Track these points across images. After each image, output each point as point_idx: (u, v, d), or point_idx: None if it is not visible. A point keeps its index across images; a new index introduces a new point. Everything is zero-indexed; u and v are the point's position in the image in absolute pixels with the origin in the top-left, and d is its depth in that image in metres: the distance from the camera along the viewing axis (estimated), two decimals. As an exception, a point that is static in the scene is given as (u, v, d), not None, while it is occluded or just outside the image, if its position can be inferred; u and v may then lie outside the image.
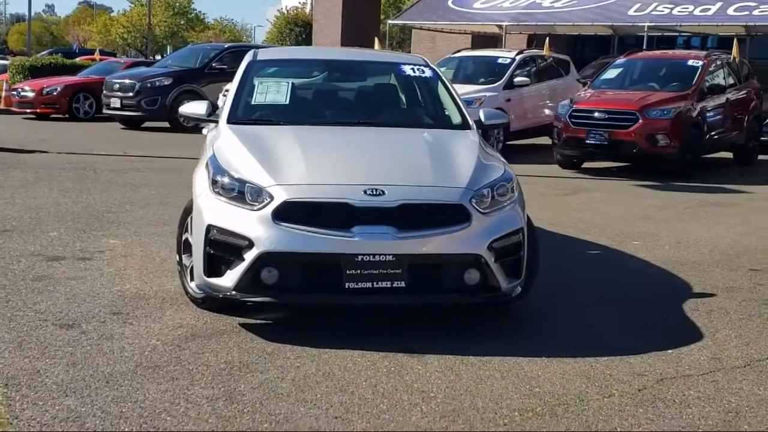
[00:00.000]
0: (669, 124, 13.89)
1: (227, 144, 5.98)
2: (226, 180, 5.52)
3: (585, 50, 25.49)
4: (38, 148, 15.04)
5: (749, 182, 13.96)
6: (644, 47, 19.85)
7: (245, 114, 6.52)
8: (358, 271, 5.21)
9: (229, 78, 19.34)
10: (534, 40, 22.52)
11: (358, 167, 5.63)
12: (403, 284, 5.26)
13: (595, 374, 4.92)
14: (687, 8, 19.76)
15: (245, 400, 4.43)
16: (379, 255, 5.20)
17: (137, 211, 9.46)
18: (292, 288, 5.34)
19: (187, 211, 6.04)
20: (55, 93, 21.84)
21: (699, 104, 14.54)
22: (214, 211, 5.46)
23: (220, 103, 19.29)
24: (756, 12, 18.97)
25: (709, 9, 19.47)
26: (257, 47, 25.56)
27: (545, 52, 18.00)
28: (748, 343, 5.59)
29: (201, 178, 5.77)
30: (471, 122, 6.66)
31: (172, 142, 17.40)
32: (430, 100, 7.14)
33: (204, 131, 7.51)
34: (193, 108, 6.70)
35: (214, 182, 5.56)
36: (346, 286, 5.23)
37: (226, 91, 18.10)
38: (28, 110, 22.16)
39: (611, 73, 15.76)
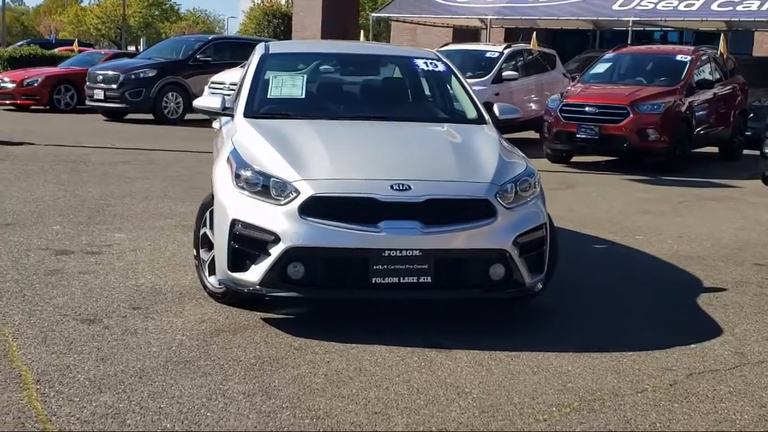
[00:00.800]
0: (659, 119, 13.97)
1: (248, 138, 5.95)
2: (249, 174, 5.48)
3: (565, 45, 25.56)
4: (25, 140, 14.87)
5: (738, 177, 14.10)
6: (629, 42, 19.94)
7: (262, 107, 6.48)
8: (385, 266, 5.20)
9: (214, 70, 19.45)
10: (520, 34, 22.55)
11: (383, 162, 5.61)
12: (429, 279, 5.26)
13: (624, 369, 4.94)
14: (671, 3, 19.89)
15: (282, 395, 4.42)
16: (406, 250, 5.20)
17: (138, 204, 9.39)
18: (318, 283, 5.32)
19: (206, 205, 6.00)
20: (35, 84, 21.63)
21: (688, 99, 14.64)
22: (238, 205, 5.42)
23: (205, 95, 19.19)
24: (740, 7, 19.13)
25: (693, 4, 19.61)
26: (241, 39, 25.36)
27: (532, 46, 18.05)
28: (766, 339, 5.64)
29: (222, 172, 5.73)
30: (487, 117, 6.67)
31: (158, 135, 17.28)
32: (445, 95, 7.13)
33: (215, 125, 7.45)
34: (208, 102, 6.66)
35: (237, 176, 5.53)
36: (373, 281, 5.22)
37: (212, 83, 18.24)
38: (7, 101, 21.92)
39: (600, 68, 15.84)
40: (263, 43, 7.50)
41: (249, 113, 6.36)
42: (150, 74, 19.43)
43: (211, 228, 5.89)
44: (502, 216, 5.40)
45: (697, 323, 5.93)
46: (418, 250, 5.21)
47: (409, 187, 5.28)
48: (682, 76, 14.89)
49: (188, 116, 20.09)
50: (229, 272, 5.44)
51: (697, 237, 8.90)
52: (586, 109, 14.18)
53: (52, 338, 5.12)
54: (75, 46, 28.03)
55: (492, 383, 4.67)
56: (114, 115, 20.32)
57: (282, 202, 5.30)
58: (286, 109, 6.51)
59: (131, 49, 47.89)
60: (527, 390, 4.59)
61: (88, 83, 20.08)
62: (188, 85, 19.76)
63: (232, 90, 17.89)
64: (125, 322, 5.45)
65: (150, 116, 19.95)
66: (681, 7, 19.68)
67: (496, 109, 6.78)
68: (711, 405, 4.49)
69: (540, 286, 5.66)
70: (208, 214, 5.95)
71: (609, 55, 16.27)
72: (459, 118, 6.77)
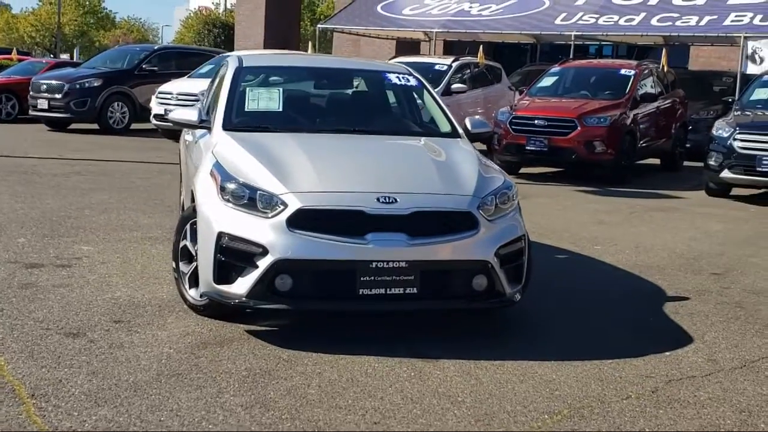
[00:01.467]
0: (606, 132, 14.32)
1: (229, 151, 5.98)
2: (235, 187, 5.53)
3: (503, 57, 25.87)
4: (-29, 151, 14.64)
5: (681, 188, 14.50)
6: (571, 56, 20.35)
7: (240, 120, 6.51)
8: (372, 278, 5.29)
9: (160, 80, 19.32)
10: (467, 47, 22.83)
11: (368, 175, 5.71)
12: (415, 290, 5.37)
13: (606, 377, 5.10)
14: (612, 18, 20.32)
15: (279, 407, 4.47)
16: (393, 261, 5.30)
17: (98, 216, 9.32)
18: (305, 295, 5.39)
19: (186, 218, 6.02)
20: (-25, 94, 21.25)
21: (632, 112, 15.01)
22: (224, 218, 5.46)
23: (152, 105, 19.00)
24: (678, 23, 19.61)
25: (634, 19, 20.05)
26: (186, 49, 25.09)
27: (479, 59, 18.30)
28: (736, 345, 5.86)
29: (205, 185, 5.76)
30: (460, 130, 6.81)
31: (105, 145, 17.11)
32: (419, 109, 7.26)
33: (188, 137, 7.44)
34: (184, 114, 6.66)
35: (222, 189, 5.56)
36: (360, 293, 5.30)
37: (160, 93, 18.12)
38: (-55, 111, 21.50)
39: (547, 81, 16.15)
40: (234, 55, 7.54)
41: (228, 126, 6.40)
42: (95, 84, 19.24)
43: (192, 240, 5.92)
44: (484, 228, 5.53)
45: (668, 331, 6.12)
46: (405, 261, 5.31)
47: (395, 200, 5.38)
48: (627, 90, 15.27)
49: (134, 126, 19.94)
50: (215, 285, 5.48)
51: (652, 247, 9.15)
52: (536, 122, 14.46)
53: (39, 352, 5.10)
54: (14, 55, 27.56)
55: (482, 392, 4.78)
56: (57, 125, 20.06)
57: (269, 215, 5.36)
58: (264, 122, 6.56)
59: (64, 57, 47.11)
60: (517, 398, 4.72)
61: (31, 93, 19.80)
62: (134, 94, 19.62)
63: (180, 100, 17.91)
64: (109, 336, 5.45)
65: (95, 126, 19.74)
66: (621, 22, 20.12)
67: (468, 123, 6.92)
68: (694, 410, 4.66)
69: (519, 296, 5.80)
70: (188, 226, 5.98)
71: (555, 69, 16.59)
72: (434, 131, 6.89)
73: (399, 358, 5.24)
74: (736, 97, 17.11)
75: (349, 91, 7.42)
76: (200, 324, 5.75)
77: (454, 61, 17.53)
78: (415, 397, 4.68)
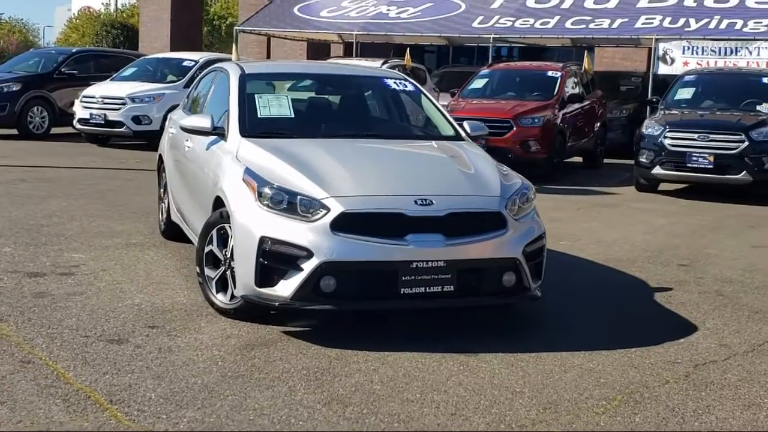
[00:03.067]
0: (539, 131, 14.87)
1: (257, 157, 6.11)
2: (274, 192, 5.66)
3: (415, 59, 26.30)
4: None
5: (608, 184, 15.16)
6: (489, 59, 20.91)
7: (256, 127, 6.61)
8: (413, 277, 5.52)
9: (80, 83, 18.99)
10: (392, 50, 23.16)
11: (402, 178, 5.94)
12: (452, 288, 5.62)
13: (638, 364, 5.44)
14: (528, 21, 20.94)
15: (354, 402, 4.66)
16: (432, 261, 5.54)
17: (69, 224, 9.22)
18: (348, 295, 5.58)
19: (212, 224, 6.13)
20: None
21: (561, 112, 15.60)
22: (265, 222, 5.60)
23: (76, 109, 18.64)
24: (591, 25, 20.35)
25: (549, 22, 20.71)
26: (102, 52, 24.53)
27: (406, 62, 18.66)
28: (738, 330, 6.29)
29: (239, 191, 5.86)
30: (463, 133, 7.09)
31: (33, 151, 16.70)
32: (421, 113, 7.50)
33: (187, 143, 7.45)
34: (197, 121, 6.73)
35: (260, 194, 5.69)
36: (402, 292, 5.53)
37: (84, 97, 17.84)
38: None
39: (478, 83, 16.60)
40: (233, 63, 7.61)
41: (245, 133, 6.50)
42: (14, 88, 18.75)
43: (219, 245, 6.04)
44: (512, 227, 5.83)
45: (670, 320, 6.53)
46: (442, 261, 5.56)
47: (432, 202, 5.62)
48: (555, 91, 15.85)
49: (54, 131, 19.53)
50: (257, 288, 5.61)
51: (614, 242, 9.61)
52: (472, 122, 14.84)
53: (92, 359, 5.15)
54: None
55: (535, 382, 5.06)
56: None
57: (311, 219, 5.52)
58: (280, 129, 6.69)
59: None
60: (569, 387, 5.01)
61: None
62: (54, 98, 19.22)
63: (105, 104, 17.70)
64: (153, 341, 5.52)
65: (13, 131, 19.24)
66: (537, 25, 20.75)
67: (467, 126, 7.20)
68: (731, 391, 5.04)
69: (539, 292, 6.10)
70: (214, 232, 6.09)
71: (485, 71, 17.07)
72: (439, 135, 7.15)
73: (440, 353, 5.47)
74: (648, 96, 18.01)
75: (354, 97, 7.60)
76: (234, 327, 5.86)
77: (383, 64, 17.82)
78: (476, 389, 4.92)
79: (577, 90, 16.54)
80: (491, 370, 5.22)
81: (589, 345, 5.76)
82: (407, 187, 5.78)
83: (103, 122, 17.77)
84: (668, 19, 19.84)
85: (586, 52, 18.91)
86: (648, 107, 16.84)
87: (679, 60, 19.14)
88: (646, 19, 20.12)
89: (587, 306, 6.88)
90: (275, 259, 5.56)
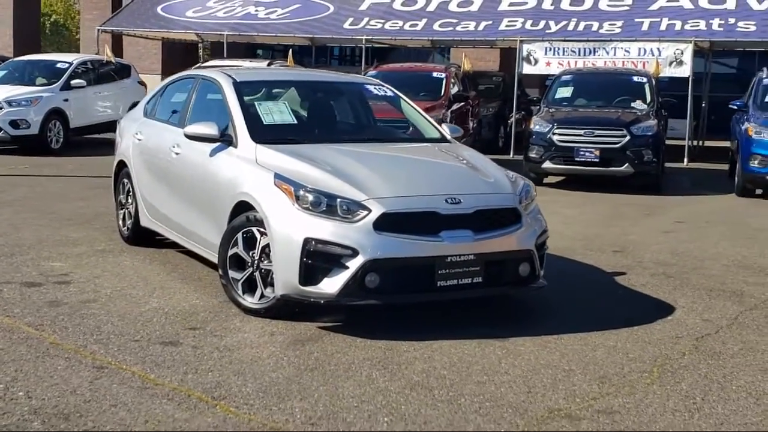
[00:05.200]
0: (432, 130, 15.51)
1: (281, 161, 6.37)
2: (312, 196, 5.97)
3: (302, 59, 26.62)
4: None
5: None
6: (363, 60, 21.49)
7: (266, 134, 6.84)
8: (447, 271, 5.98)
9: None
10: (261, 49, 23.27)
11: (430, 180, 6.39)
12: (480, 279, 6.11)
13: (651, 339, 6.08)
14: (397, 23, 21.60)
15: (435, 386, 5.05)
16: (463, 255, 6.01)
17: (22, 233, 9.09)
18: (390, 290, 5.97)
19: (237, 227, 6.36)
20: None
21: (449, 111, 16.35)
22: (307, 224, 5.91)
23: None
24: (458, 28, 21.23)
25: (417, 24, 21.44)
26: None
27: (289, 63, 18.96)
28: (709, 307, 7.04)
29: (271, 195, 6.12)
30: (447, 135, 7.58)
31: None
32: (406, 117, 7.93)
33: (179, 150, 7.53)
34: (203, 129, 6.89)
35: (297, 198, 5.99)
36: (438, 284, 5.98)
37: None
38: None
39: (366, 84, 17.09)
40: (218, 72, 7.74)
41: (257, 139, 6.74)
42: None
43: (246, 248, 6.29)
44: (525, 221, 6.38)
45: (645, 301, 7.24)
46: (473, 254, 6.04)
47: (460, 201, 6.10)
48: (442, 91, 16.59)
49: None
50: (301, 286, 5.91)
51: (543, 233, 10.32)
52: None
53: (161, 361, 5.33)
54: None
55: (576, 361, 5.60)
56: None
57: (352, 220, 5.88)
58: (288, 134, 6.96)
59: None
60: (607, 363, 5.58)
61: None
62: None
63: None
64: (206, 342, 5.73)
65: None
66: (407, 27, 21.45)
67: (446, 128, 7.71)
68: (742, 359, 5.73)
69: (543, 281, 6.67)
70: (239, 235, 6.33)
71: (372, 72, 17.58)
72: (429, 137, 7.61)
73: (474, 340, 5.93)
74: (507, 95, 19.07)
75: (344, 102, 7.94)
76: (269, 325, 6.12)
77: (269, 65, 18.06)
78: (530, 369, 5.42)
79: (460, 90, 17.32)
80: (531, 352, 5.74)
81: (594, 326, 6.35)
82: (436, 187, 6.23)
83: (-23, 128, 17.17)
84: (530, 22, 20.97)
85: (464, 54, 19.74)
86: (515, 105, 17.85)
87: (542, 60, 20.26)
88: (509, 21, 21.17)
89: (563, 292, 7.44)
90: (320, 259, 5.88)
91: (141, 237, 8.48)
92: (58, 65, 18.72)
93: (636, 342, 6.04)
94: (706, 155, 20.92)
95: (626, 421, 4.66)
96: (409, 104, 7.94)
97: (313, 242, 5.87)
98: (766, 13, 20.02)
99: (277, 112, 7.08)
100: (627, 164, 14.37)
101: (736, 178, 14.68)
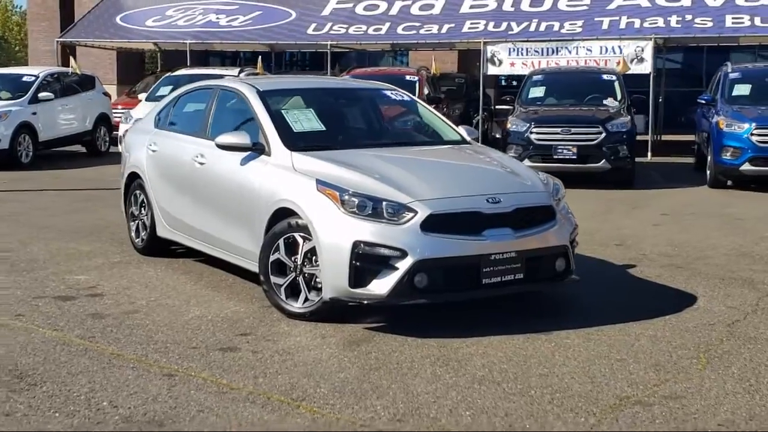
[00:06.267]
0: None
1: (320, 167, 6.48)
2: (357, 200, 6.10)
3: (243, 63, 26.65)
4: None
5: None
6: (328, 65, 21.59)
7: (299, 141, 6.95)
8: (491, 268, 6.15)
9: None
10: (225, 57, 23.25)
11: (470, 181, 6.56)
12: (521, 276, 6.29)
13: (687, 327, 6.32)
14: (361, 28, 21.78)
15: (500, 380, 5.21)
16: (506, 253, 6.19)
17: (32, 248, 9.06)
18: (438, 289, 6.12)
19: (278, 234, 6.46)
20: None
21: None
22: (355, 228, 6.04)
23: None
24: (422, 31, 21.49)
25: (381, 29, 21.65)
26: None
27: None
28: (728, 295, 7.31)
29: (314, 200, 6.23)
30: (467, 137, 7.76)
31: None
32: (428, 120, 8.08)
33: (202, 160, 7.58)
34: (235, 138, 6.97)
35: (343, 202, 6.12)
36: (483, 282, 6.15)
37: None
38: None
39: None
40: (243, 83, 7.79)
41: (291, 147, 6.84)
42: None
43: (287, 254, 6.40)
44: (559, 218, 6.59)
45: (665, 291, 7.48)
46: (514, 252, 6.23)
47: (500, 200, 6.28)
48: (416, 94, 16.69)
49: None
50: (351, 289, 6.03)
51: (541, 230, 10.57)
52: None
53: (227, 367, 5.41)
54: None
55: (623, 352, 5.79)
56: None
57: (399, 222, 6.03)
58: (320, 141, 7.07)
59: None
60: (655, 351, 5.79)
61: None
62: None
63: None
64: (262, 347, 5.82)
65: None
66: (370, 32, 21.65)
67: (464, 131, 7.88)
68: (777, 343, 6.04)
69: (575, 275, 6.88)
70: (281, 241, 6.44)
71: (345, 76, 17.71)
72: (451, 140, 7.77)
73: (521, 335, 6.11)
74: (470, 96, 19.33)
75: (367, 108, 8.07)
76: (318, 328, 6.23)
77: (240, 72, 18.10)
78: (585, 360, 5.60)
79: (432, 92, 17.55)
80: (580, 345, 5.93)
81: (627, 317, 6.55)
82: (476, 188, 6.41)
83: (-54, 142, 16.96)
84: (492, 23, 21.31)
85: (433, 57, 19.98)
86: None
87: (507, 61, 20.63)
88: (472, 23, 21.49)
89: (584, 286, 7.67)
90: (369, 261, 6.01)
91: (156, 248, 8.51)
92: (24, 78, 18.56)
93: (674, 331, 6.27)
94: (665, 149, 21.43)
95: (694, 405, 4.87)
96: (426, 108, 8.11)
97: (362, 245, 6.00)
98: (721, 9, 20.60)
99: (305, 120, 7.18)
100: (604, 160, 14.70)
101: (708, 171, 15.10)
